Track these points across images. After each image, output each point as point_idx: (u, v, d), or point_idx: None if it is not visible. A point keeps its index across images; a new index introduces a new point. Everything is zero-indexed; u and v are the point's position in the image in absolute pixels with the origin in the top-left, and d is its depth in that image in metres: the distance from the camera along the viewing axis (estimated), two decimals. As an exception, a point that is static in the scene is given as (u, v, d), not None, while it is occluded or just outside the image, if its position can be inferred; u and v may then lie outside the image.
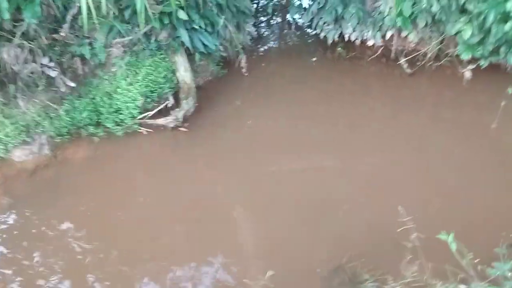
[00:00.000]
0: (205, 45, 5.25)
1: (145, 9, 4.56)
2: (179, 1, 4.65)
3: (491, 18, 4.51)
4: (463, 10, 4.98)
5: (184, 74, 5.17)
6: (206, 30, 5.23)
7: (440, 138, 4.86)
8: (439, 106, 5.30)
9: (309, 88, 5.81)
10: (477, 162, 4.47)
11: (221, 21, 5.30)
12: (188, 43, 5.08)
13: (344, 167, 4.67)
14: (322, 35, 6.19)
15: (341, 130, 5.18)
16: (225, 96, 5.66)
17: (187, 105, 5.11)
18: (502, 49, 4.99)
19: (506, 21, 4.53)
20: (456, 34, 5.08)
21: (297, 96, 5.68)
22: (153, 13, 4.69)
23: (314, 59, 6.43)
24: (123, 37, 4.91)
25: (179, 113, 5.05)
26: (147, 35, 5.02)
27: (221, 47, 5.57)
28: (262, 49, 6.77)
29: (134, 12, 4.69)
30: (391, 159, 4.68)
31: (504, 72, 5.40)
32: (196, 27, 5.09)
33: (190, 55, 5.36)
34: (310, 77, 6.05)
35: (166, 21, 4.87)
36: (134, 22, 4.89)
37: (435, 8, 4.96)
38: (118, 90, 4.95)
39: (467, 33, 4.86)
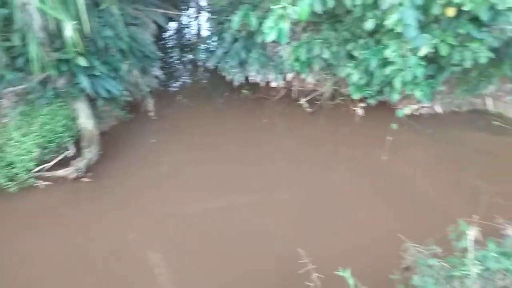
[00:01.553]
0: (108, 91, 5.14)
1: (40, 56, 4.37)
2: (78, 48, 4.53)
3: (373, 63, 5.08)
4: (350, 56, 5.56)
5: (85, 121, 4.97)
6: (108, 76, 5.14)
7: (339, 171, 5.25)
8: (336, 141, 5.74)
9: (218, 129, 5.93)
10: (371, 192, 4.90)
11: (125, 66, 5.26)
12: (89, 90, 4.93)
13: (256, 204, 4.81)
14: (228, 77, 6.42)
15: (251, 167, 5.33)
16: (133, 141, 5.53)
17: (90, 153, 4.90)
18: (386, 89, 5.63)
19: (386, 66, 5.13)
20: (346, 76, 5.62)
21: (208, 137, 5.77)
22: (49, 60, 4.51)
23: (221, 100, 6.59)
24: (15, 86, 4.61)
25: (81, 163, 4.81)
26: (43, 83, 4.79)
27: (126, 92, 5.49)
28: (170, 91, 6.79)
29: (28, 59, 4.46)
30: (298, 194, 4.93)
31: (389, 108, 6.07)
32: (98, 73, 4.98)
33: (92, 101, 5.20)
34: (219, 118, 6.19)
35: (64, 68, 4.70)
36: (28, 70, 4.64)
37: (326, 55, 5.48)
38: (10, 142, 4.60)
39: (355, 77, 5.41)
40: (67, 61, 4.67)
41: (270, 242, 4.31)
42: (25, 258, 4.09)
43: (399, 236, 3.38)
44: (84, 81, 4.86)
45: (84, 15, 4.40)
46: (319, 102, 6.24)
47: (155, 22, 6.53)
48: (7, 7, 4.19)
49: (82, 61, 4.71)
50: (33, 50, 4.31)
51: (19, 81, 4.61)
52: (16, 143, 4.59)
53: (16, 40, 4.39)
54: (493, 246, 2.97)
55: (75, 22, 4.33)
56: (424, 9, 4.67)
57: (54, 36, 4.58)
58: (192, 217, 4.63)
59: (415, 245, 3.21)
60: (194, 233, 4.48)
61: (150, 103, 5.88)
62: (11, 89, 4.64)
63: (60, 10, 4.22)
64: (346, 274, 2.87)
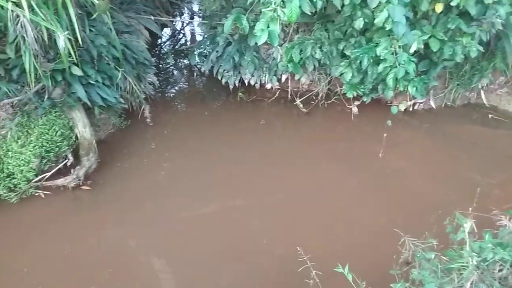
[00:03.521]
0: (104, 99, 5.17)
1: (35, 67, 4.40)
2: (72, 58, 4.57)
3: (365, 61, 5.13)
4: (343, 55, 5.60)
5: (83, 130, 5.01)
6: (104, 84, 5.17)
7: (337, 169, 5.28)
8: (333, 140, 5.77)
9: (215, 132, 5.96)
10: (368, 189, 4.93)
11: (119, 74, 5.30)
12: (85, 98, 4.96)
13: (254, 205, 4.85)
14: (223, 81, 6.45)
15: (248, 169, 5.35)
16: (129, 148, 5.56)
17: (89, 161, 4.93)
18: (380, 87, 5.68)
19: (378, 63, 5.18)
20: (340, 75, 5.66)
21: (205, 141, 5.79)
22: (44, 71, 4.55)
23: (218, 104, 6.63)
24: (11, 97, 4.64)
25: (80, 171, 4.84)
26: (39, 94, 4.82)
27: (121, 99, 5.52)
28: (166, 97, 6.84)
29: (23, 71, 4.50)
30: (296, 193, 4.96)
31: (385, 105, 6.11)
32: (93, 81, 5.01)
33: (88, 110, 5.23)
34: (215, 121, 6.22)
35: (59, 78, 4.73)
36: (23, 81, 4.67)
37: (318, 55, 5.53)
38: (9, 153, 4.63)
39: (348, 75, 5.46)
40: (61, 71, 4.71)
41: (268, 242, 4.34)
42: (26, 267, 4.10)
43: (396, 231, 3.40)
44: (79, 90, 4.90)
45: (76, 25, 4.44)
46: (314, 102, 6.27)
47: (148, 29, 6.57)
48: (0, 20, 4.22)
49: (77, 71, 4.75)
50: (28, 62, 4.33)
51: (15, 92, 4.64)
52: (15, 154, 4.62)
53: (10, 52, 4.42)
54: (489, 237, 3.00)
55: (67, 33, 4.36)
56: (412, 5, 4.73)
57: (48, 47, 4.62)
58: (192, 222, 4.65)
59: (412, 239, 3.24)
60: (194, 237, 4.50)
61: (146, 109, 5.92)
62: (7, 100, 4.67)
63: (52, 21, 4.25)
64: (345, 270, 2.91)
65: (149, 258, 4.29)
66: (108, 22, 5.01)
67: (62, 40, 4.28)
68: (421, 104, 6.13)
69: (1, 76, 4.56)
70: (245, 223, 4.65)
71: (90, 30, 5.11)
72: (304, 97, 6.31)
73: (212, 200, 4.90)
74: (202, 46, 6.86)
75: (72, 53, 4.47)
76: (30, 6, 4.04)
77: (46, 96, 4.83)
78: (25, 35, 4.19)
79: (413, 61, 5.03)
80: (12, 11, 3.99)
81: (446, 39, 4.97)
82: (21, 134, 4.73)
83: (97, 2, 4.65)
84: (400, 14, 4.50)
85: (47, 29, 4.27)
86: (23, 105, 4.80)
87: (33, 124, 4.79)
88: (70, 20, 4.45)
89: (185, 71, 7.57)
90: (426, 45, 5.06)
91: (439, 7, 4.68)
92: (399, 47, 4.96)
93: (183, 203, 4.88)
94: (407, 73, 5.01)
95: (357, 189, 4.96)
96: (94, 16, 4.96)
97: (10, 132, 4.70)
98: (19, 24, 4.12)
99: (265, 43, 4.71)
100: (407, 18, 4.68)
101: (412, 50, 4.93)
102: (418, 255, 3.18)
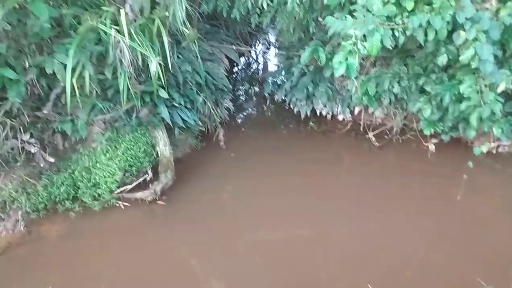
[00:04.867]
0: (184, 121, 5.51)
1: (128, 88, 4.82)
2: (160, 81, 4.95)
3: (447, 99, 4.95)
4: (422, 90, 5.46)
5: (163, 148, 5.35)
6: (185, 107, 5.52)
7: (408, 209, 5.07)
8: (406, 178, 5.56)
9: (284, 160, 6.03)
10: (443, 234, 4.65)
11: (200, 98, 5.62)
12: (168, 119, 5.32)
13: (318, 237, 4.77)
14: (295, 110, 6.56)
15: (314, 200, 5.31)
16: (203, 169, 5.81)
17: (166, 178, 5.22)
18: (461, 125, 5.42)
19: (461, 101, 4.97)
20: (417, 111, 5.50)
21: (273, 168, 5.88)
22: (135, 92, 4.96)
23: (288, 132, 6.73)
24: (105, 114, 5.10)
25: (157, 187, 5.14)
26: (128, 112, 5.25)
27: (200, 122, 5.83)
28: (239, 122, 7.09)
29: (117, 91, 4.94)
30: (363, 229, 4.82)
31: (465, 145, 5.81)
32: (176, 104, 5.37)
33: (169, 130, 5.59)
34: (285, 149, 6.31)
35: (147, 99, 5.13)
36: (116, 100, 5.12)
37: (396, 89, 5.44)
38: (97, 164, 5.05)
39: (427, 112, 5.28)
40: (150, 93, 5.11)
41: (331, 277, 4.24)
42: (98, 272, 4.40)
43: (475, 281, 3.17)
44: (164, 112, 5.27)
45: (167, 52, 4.83)
46: (387, 137, 6.14)
47: (227, 58, 6.93)
48: (103, 44, 4.70)
49: (163, 93, 5.13)
50: (122, 83, 4.77)
51: (108, 109, 5.09)
52: (102, 166, 5.04)
53: (108, 74, 4.88)
54: None
55: (159, 58, 4.74)
56: (501, 43, 4.52)
57: (140, 71, 5.05)
58: (254, 247, 4.68)
59: (496, 291, 3.01)
60: (255, 263, 4.51)
61: (220, 133, 6.18)
62: (101, 116, 5.14)
63: (147, 48, 4.67)
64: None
65: (209, 278, 4.36)
66: (195, 50, 5.38)
67: (154, 65, 4.67)
68: (506, 147, 5.74)
69: (98, 94, 5.03)
70: (308, 254, 4.58)
71: (178, 57, 5.51)
72: (377, 131, 6.20)
73: (276, 228, 4.91)
74: (276, 76, 7.07)
75: (161, 77, 4.85)
76: (129, 33, 4.49)
77: (134, 115, 5.25)
78: (122, 59, 4.63)
79: (499, 101, 4.76)
80: (114, 37, 4.45)
81: (538, 80, 4.67)
82: (109, 148, 5.16)
83: (188, 32, 5.04)
84: (488, 52, 4.31)
85: (142, 54, 4.69)
86: (113, 121, 5.24)
87: (120, 139, 5.22)
88: (162, 47, 4.86)
89: (258, 98, 7.81)
90: (515, 85, 4.78)
91: (532, 47, 4.43)
92: (485, 85, 4.73)
93: (248, 227, 4.95)
94: (493, 113, 4.75)
95: (431, 232, 4.70)
96: (184, 44, 5.36)
97: (100, 145, 5.15)
98: (118, 49, 4.57)
99: (341, 75, 4.73)
100: (495, 56, 4.47)
101: (499, 90, 4.67)
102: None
